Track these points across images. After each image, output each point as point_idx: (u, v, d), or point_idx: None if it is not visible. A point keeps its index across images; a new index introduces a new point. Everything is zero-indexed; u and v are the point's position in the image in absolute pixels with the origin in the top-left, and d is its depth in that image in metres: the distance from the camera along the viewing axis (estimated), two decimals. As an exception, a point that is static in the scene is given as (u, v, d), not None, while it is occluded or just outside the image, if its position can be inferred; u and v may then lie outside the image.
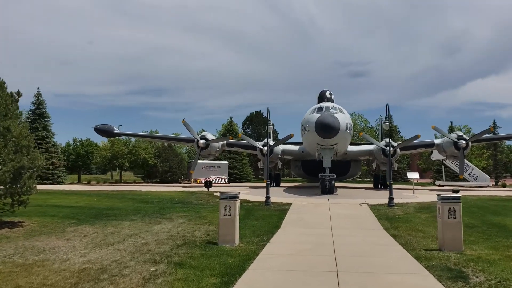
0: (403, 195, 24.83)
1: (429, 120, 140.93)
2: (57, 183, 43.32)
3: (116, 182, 53.10)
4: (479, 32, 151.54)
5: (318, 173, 26.56)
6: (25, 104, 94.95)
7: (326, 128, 24.09)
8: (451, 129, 49.60)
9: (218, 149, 36.27)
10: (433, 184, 48.56)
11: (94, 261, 9.03)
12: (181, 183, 49.43)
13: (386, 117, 22.28)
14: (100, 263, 8.79)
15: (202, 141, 33.60)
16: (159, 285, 7.26)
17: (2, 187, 13.39)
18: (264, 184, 21.26)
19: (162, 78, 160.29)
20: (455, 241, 10.07)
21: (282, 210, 18.20)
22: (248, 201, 21.33)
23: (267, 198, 20.02)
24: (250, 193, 26.83)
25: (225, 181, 46.79)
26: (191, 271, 8.14)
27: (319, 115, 25.08)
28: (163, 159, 52.58)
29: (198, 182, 43.22)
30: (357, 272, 8.13)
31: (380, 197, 22.94)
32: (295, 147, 38.00)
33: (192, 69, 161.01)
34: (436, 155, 42.14)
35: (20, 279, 7.54)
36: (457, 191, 24.56)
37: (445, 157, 37.04)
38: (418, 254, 9.70)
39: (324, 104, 27.66)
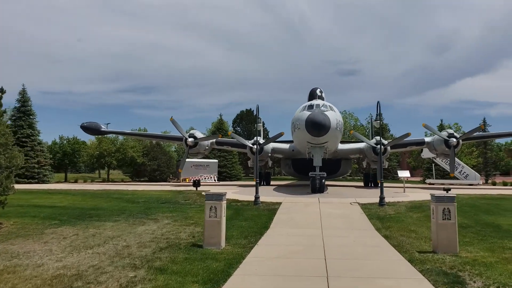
0: (394, 194, 24.52)
1: (419, 119, 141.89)
2: (43, 182, 42.44)
3: (104, 181, 52.22)
4: (468, 31, 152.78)
5: (308, 171, 26.14)
6: (10, 102, 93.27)
7: (317, 126, 23.67)
8: (442, 127, 49.52)
9: (207, 147, 35.70)
10: (423, 182, 48.48)
11: (70, 266, 8.49)
12: (169, 182, 48.76)
13: (377, 115, 21.92)
14: (76, 269, 8.26)
15: (190, 139, 32.99)
16: (136, 293, 6.77)
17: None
18: (254, 183, 20.77)
19: (152, 76, 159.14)
20: (450, 243, 9.69)
21: (272, 209, 17.74)
22: (237, 201, 20.84)
23: (256, 197, 19.55)
24: (239, 192, 26.37)
25: (215, 180, 46.24)
26: (172, 277, 7.64)
27: (310, 113, 24.67)
28: (151, 158, 51.79)
29: (187, 181, 42.60)
30: (348, 277, 7.70)
31: (371, 196, 22.59)
32: (286, 146, 37.56)
33: (183, 67, 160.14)
34: (426, 153, 41.96)
35: (-14, 288, 6.99)
36: (449, 189, 24.25)
37: (435, 155, 36.88)
38: (411, 257, 9.30)
39: (315, 102, 27.25)
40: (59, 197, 23.78)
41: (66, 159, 53.70)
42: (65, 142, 55.30)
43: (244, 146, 33.99)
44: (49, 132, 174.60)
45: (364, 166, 37.86)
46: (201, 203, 20.13)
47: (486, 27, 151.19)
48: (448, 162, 38.15)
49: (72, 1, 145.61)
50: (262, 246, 10.70)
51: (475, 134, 32.42)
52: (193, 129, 37.59)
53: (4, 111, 15.48)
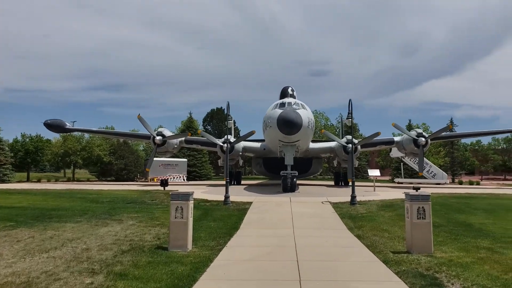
0: (364, 193, 24.47)
1: (388, 119, 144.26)
2: (3, 181, 40.58)
3: (69, 180, 50.38)
4: (435, 34, 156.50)
5: (280, 170, 25.82)
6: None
7: (288, 124, 23.34)
8: (410, 127, 50.30)
9: (176, 146, 34.83)
10: (392, 181, 49.07)
11: (20, 272, 7.73)
12: (137, 181, 47.53)
13: (349, 113, 21.74)
14: (26, 275, 7.51)
15: (158, 138, 32.07)
16: (91, 303, 6.12)
17: None
18: (225, 182, 20.23)
19: (121, 74, 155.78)
20: (425, 243, 9.43)
21: (242, 209, 17.24)
22: (206, 201, 20.24)
23: (226, 197, 19.01)
24: (209, 191, 25.78)
25: (184, 180, 45.31)
26: (133, 283, 7.03)
27: (282, 111, 24.31)
28: (118, 156, 50.28)
29: (155, 181, 41.54)
30: (322, 281, 7.27)
31: (342, 195, 22.49)
32: (257, 144, 37.14)
33: (152, 65, 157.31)
34: (395, 153, 42.44)
35: None
36: (418, 188, 24.19)
37: (404, 155, 37.29)
38: (386, 258, 8.98)
39: (287, 100, 26.94)
40: (18, 197, 22.57)
41: (29, 157, 51.51)
42: (27, 140, 53.05)
43: (214, 145, 33.35)
44: (12, 130, 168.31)
45: (335, 165, 37.94)
46: (168, 203, 19.21)
47: (452, 30, 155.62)
48: (417, 161, 38.76)
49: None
50: (232, 248, 10.18)
51: (443, 134, 32.89)
52: (161, 127, 36.62)
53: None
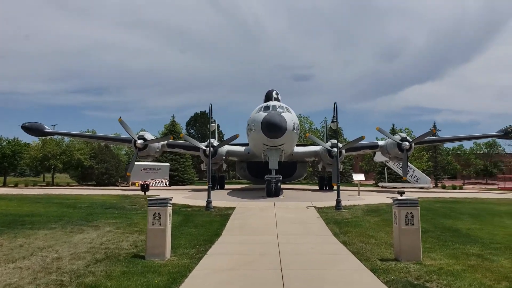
0: (349, 197, 24.21)
1: (370, 123, 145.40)
2: (-22, 186, 39.22)
3: (48, 184, 49.12)
4: (416, 40, 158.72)
5: (264, 174, 25.37)
6: None
7: (273, 128, 22.95)
8: (393, 131, 50.42)
9: (157, 150, 34.11)
10: (375, 185, 49.13)
11: (-20, 286, 7.11)
12: (118, 186, 46.55)
13: (334, 116, 21.46)
14: (-13, 289, 6.90)
15: (140, 141, 31.31)
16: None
17: None
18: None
19: (103, 76, 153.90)
20: (413, 250, 9.08)
21: (225, 215, 16.72)
22: (188, 206, 19.67)
23: (208, 202, 18.48)
24: (191, 196, 25.19)
25: (166, 184, 44.53)
26: (104, 297, 6.49)
27: (266, 114, 23.91)
28: (99, 160, 49.20)
29: (137, 185, 40.68)
30: (308, 292, 6.83)
31: (327, 199, 22.15)
32: (241, 148, 36.66)
33: (135, 67, 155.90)
34: (379, 157, 42.46)
35: None
36: (402, 193, 24.26)
37: (388, 159, 37.25)
38: (373, 266, 8.60)
39: (271, 103, 26.54)
40: (-10, 203, 21.61)
41: (6, 161, 50.02)
42: (4, 143, 51.53)
43: (197, 149, 32.73)
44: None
45: (320, 169, 37.65)
46: (149, 208, 18.78)
47: (433, 36, 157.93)
48: (401, 165, 38.79)
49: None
50: (212, 256, 9.67)
51: (426, 138, 32.94)
52: (144, 131, 35.87)
53: None
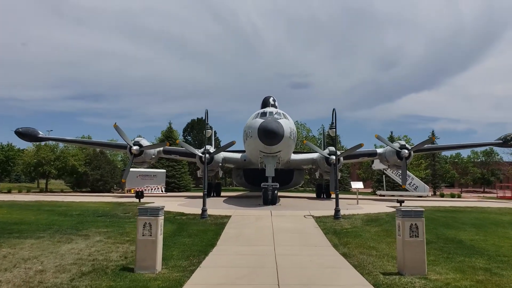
0: (348, 206, 23.70)
1: (367, 131, 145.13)
2: (-30, 192, 38.51)
3: (41, 191, 48.38)
4: (413, 49, 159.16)
5: (260, 182, 24.83)
6: None
7: (270, 134, 22.46)
8: (392, 139, 50.04)
9: (153, 156, 33.55)
10: (373, 193, 48.64)
11: (-46, 302, 6.59)
12: (113, 192, 45.88)
13: (332, 123, 20.98)
14: (-40, 306, 6.38)
15: (135, 147, 30.73)
16: None
17: None
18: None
19: (100, 83, 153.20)
20: (418, 263, 8.60)
21: (220, 224, 16.20)
22: (182, 214, 19.12)
23: (204, 210, 17.94)
24: (187, 204, 24.64)
25: (162, 191, 43.92)
26: (86, 316, 5.97)
27: (263, 120, 23.41)
28: (94, 167, 48.47)
29: (132, 192, 40.08)
30: (307, 310, 6.33)
31: (325, 208, 21.63)
32: (237, 155, 36.17)
33: (133, 75, 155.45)
34: (377, 165, 41.99)
35: None
36: (402, 201, 23.78)
37: (387, 167, 36.78)
38: (376, 280, 8.12)
39: (268, 109, 26.07)
40: (-20, 210, 21.00)
41: (-1, 167, 49.39)
42: (-3, 149, 50.92)
43: (194, 155, 32.19)
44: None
45: (317, 177, 37.15)
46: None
47: (429, 45, 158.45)
48: (399, 173, 38.37)
49: (17, 2, 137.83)
50: (206, 269, 9.16)
51: (425, 146, 32.53)
52: (140, 137, 35.32)
53: None
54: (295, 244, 12.34)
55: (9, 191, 45.00)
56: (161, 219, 9.06)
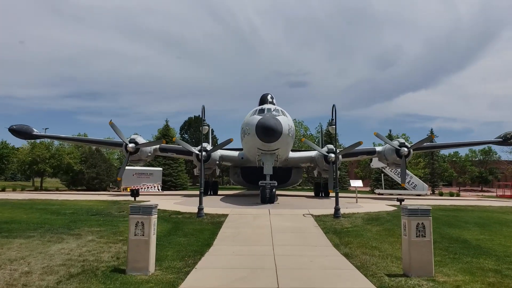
0: (347, 204, 23.28)
1: (365, 130, 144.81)
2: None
3: (36, 189, 47.72)
4: (410, 48, 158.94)
5: (258, 180, 24.38)
6: None
7: (268, 131, 21.98)
8: (390, 137, 49.65)
9: (149, 154, 33.06)
10: (372, 192, 48.28)
11: None
12: (109, 191, 45.30)
13: (332, 119, 20.54)
14: None
15: (131, 145, 30.22)
16: None
17: None
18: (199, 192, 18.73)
19: (97, 82, 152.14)
20: (424, 264, 8.18)
21: (217, 223, 15.75)
22: (178, 212, 18.66)
23: (200, 208, 17.49)
24: (183, 202, 24.18)
25: (159, 189, 43.42)
26: (71, 323, 5.51)
27: (261, 117, 22.92)
28: (90, 165, 47.81)
29: (128, 190, 39.53)
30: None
31: (324, 207, 21.22)
32: (235, 153, 35.72)
33: (130, 73, 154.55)
34: (375, 163, 41.62)
35: None
36: (402, 200, 23.40)
37: (386, 165, 36.37)
38: (381, 283, 7.68)
39: (266, 106, 25.59)
40: (-30, 209, 20.47)
41: (-8, 165, 48.67)
42: (-9, 146, 50.19)
43: (190, 153, 31.72)
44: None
45: (315, 175, 36.71)
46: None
47: (427, 45, 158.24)
48: (398, 172, 38.00)
49: (15, 1, 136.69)
50: (201, 270, 8.71)
51: (424, 144, 32.16)
52: (136, 134, 34.82)
53: None
54: (295, 244, 11.90)
55: (3, 190, 44.34)
56: (154, 218, 8.61)
